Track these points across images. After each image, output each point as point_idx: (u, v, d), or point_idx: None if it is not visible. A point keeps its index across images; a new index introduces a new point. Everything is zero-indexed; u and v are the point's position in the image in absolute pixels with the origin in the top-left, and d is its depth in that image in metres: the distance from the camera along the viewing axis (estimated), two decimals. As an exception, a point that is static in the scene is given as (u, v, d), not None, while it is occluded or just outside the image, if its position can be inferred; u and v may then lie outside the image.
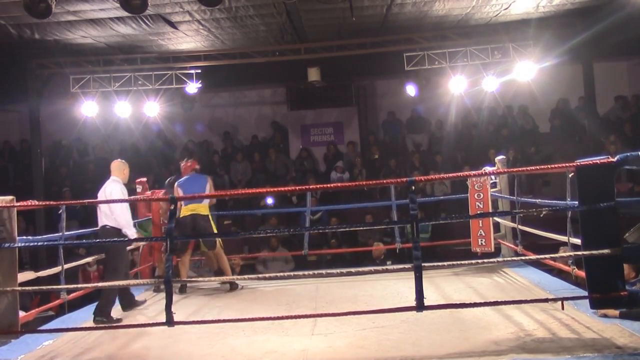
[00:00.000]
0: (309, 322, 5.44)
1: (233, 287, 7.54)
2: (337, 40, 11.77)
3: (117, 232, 6.37)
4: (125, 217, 6.40)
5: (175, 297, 4.98)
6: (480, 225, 8.14)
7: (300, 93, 14.73)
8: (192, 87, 11.89)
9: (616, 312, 4.82)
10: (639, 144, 9.99)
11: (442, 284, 7.10)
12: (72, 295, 6.76)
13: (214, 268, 8.06)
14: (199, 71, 11.84)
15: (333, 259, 11.47)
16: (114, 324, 5.95)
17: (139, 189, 8.73)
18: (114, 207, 6.34)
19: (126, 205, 6.50)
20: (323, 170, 14.25)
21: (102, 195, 6.48)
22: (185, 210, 7.50)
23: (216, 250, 7.75)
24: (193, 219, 7.48)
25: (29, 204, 6.07)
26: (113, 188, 6.46)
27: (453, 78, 11.52)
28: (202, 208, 7.58)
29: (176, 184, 7.82)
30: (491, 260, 7.62)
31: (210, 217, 7.70)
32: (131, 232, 6.44)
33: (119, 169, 6.67)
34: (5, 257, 4.94)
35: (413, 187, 4.78)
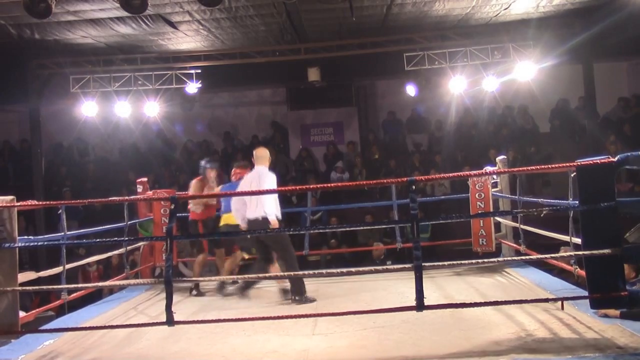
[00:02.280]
0: (309, 322, 5.44)
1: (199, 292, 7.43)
2: (337, 40, 11.76)
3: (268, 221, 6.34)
4: (273, 206, 6.37)
5: (175, 298, 4.97)
6: (481, 225, 8.16)
7: (300, 93, 14.72)
8: (192, 87, 11.88)
9: (617, 312, 4.82)
10: (638, 144, 9.98)
11: (442, 284, 7.11)
12: (73, 295, 6.77)
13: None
14: (199, 71, 11.83)
15: (333, 259, 11.46)
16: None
17: (139, 189, 8.73)
18: (266, 197, 6.29)
19: (275, 195, 6.47)
20: (323, 170, 14.25)
21: (255, 186, 6.32)
22: (223, 220, 7.42)
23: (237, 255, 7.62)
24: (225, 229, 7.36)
25: (29, 204, 6.07)
26: (268, 179, 6.43)
27: (453, 78, 11.53)
28: (233, 218, 7.27)
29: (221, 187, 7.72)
30: (492, 260, 7.61)
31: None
32: (273, 221, 6.34)
33: (265, 158, 6.62)
34: (6, 257, 4.94)
35: (413, 187, 4.78)
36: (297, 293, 6.46)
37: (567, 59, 11.65)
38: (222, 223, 7.48)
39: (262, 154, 6.70)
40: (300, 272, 5.41)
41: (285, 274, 6.21)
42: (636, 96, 13.66)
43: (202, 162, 7.95)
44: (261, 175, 6.53)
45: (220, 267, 7.84)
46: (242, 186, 6.67)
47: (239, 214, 6.73)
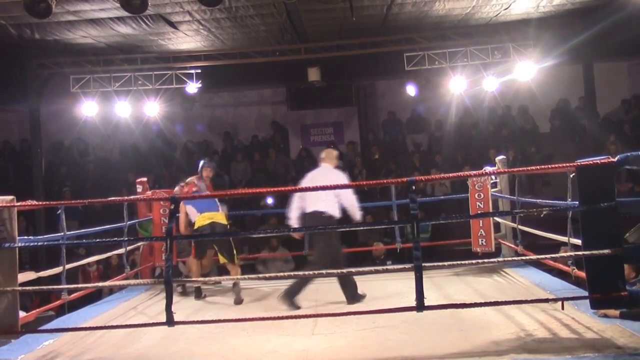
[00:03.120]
0: (309, 322, 5.44)
1: (198, 294, 7.30)
2: (337, 40, 11.76)
3: (332, 219, 6.39)
4: (354, 199, 6.52)
5: (175, 298, 4.97)
6: (481, 225, 8.15)
7: (300, 93, 14.73)
8: (192, 87, 11.88)
9: (616, 312, 4.82)
10: (638, 144, 9.98)
11: (442, 284, 7.11)
12: (73, 295, 6.77)
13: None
14: (199, 71, 11.83)
15: (333, 259, 11.43)
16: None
17: (139, 189, 8.73)
18: (347, 192, 6.43)
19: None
20: (323, 170, 14.23)
21: (322, 182, 6.34)
22: (202, 219, 7.17)
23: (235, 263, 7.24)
24: (212, 228, 7.08)
25: (29, 204, 6.06)
26: (340, 175, 6.65)
27: (453, 78, 11.53)
28: (220, 216, 7.22)
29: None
30: (491, 260, 7.61)
31: (228, 227, 7.36)
32: (359, 214, 6.55)
33: (332, 158, 6.82)
34: (5, 257, 4.94)
35: (413, 187, 4.79)
36: (290, 295, 6.30)
37: (567, 59, 11.64)
38: (197, 225, 7.21)
39: (330, 155, 6.88)
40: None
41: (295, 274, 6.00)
42: (636, 97, 13.67)
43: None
44: (328, 171, 6.70)
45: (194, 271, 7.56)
46: (306, 182, 6.69)
47: (295, 210, 6.65)
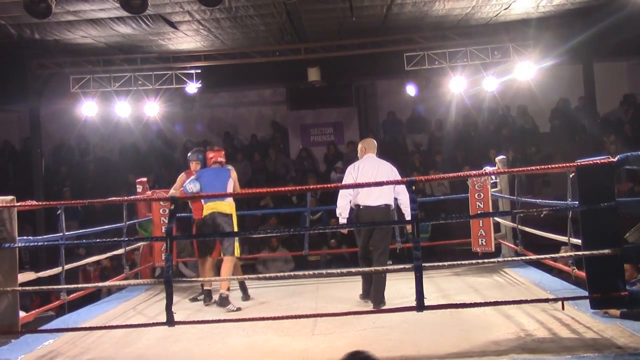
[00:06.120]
0: (309, 322, 5.44)
1: (207, 297, 6.92)
2: (337, 40, 11.75)
3: (393, 212, 6.38)
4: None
5: (175, 298, 4.97)
6: (481, 225, 8.16)
7: (300, 93, 14.72)
8: (192, 87, 11.87)
9: (617, 312, 4.82)
10: (638, 144, 9.98)
11: (442, 284, 7.11)
12: (72, 295, 6.77)
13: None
14: (199, 71, 11.82)
15: (333, 259, 11.46)
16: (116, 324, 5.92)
17: (139, 189, 8.73)
18: (402, 188, 6.17)
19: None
20: (323, 170, 14.25)
21: (383, 175, 6.26)
22: (206, 208, 6.86)
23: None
24: (212, 218, 6.75)
25: (29, 204, 6.06)
26: (392, 167, 6.43)
27: (453, 78, 11.52)
28: (225, 206, 6.82)
29: (195, 174, 7.05)
30: (491, 260, 7.62)
31: (234, 217, 6.90)
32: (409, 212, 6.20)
33: (375, 146, 6.60)
34: (6, 257, 4.94)
35: (413, 187, 4.80)
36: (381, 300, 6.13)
37: (567, 58, 11.64)
38: (208, 212, 6.83)
39: (373, 145, 6.64)
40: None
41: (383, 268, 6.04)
42: (629, 95, 13.69)
43: (189, 154, 7.52)
44: (380, 163, 6.46)
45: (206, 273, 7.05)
46: (365, 173, 6.37)
47: (345, 201, 6.51)
